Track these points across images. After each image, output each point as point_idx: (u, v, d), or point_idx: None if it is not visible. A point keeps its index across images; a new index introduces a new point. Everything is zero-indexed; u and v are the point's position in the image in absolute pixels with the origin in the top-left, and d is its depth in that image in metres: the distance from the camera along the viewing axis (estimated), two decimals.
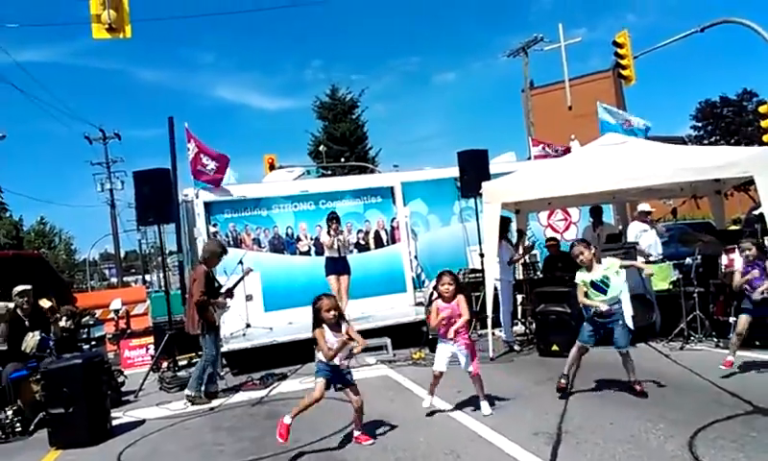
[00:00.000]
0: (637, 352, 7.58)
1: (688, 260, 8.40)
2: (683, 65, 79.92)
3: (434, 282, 11.07)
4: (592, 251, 5.91)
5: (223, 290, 7.75)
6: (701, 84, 78.89)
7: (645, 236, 9.58)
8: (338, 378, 5.12)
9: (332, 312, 5.02)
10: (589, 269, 5.80)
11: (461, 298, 5.67)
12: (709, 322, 7.88)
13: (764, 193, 6.85)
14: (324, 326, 5.02)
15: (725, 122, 43.49)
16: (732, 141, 41.21)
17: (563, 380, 5.86)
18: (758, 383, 5.73)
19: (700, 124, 45.25)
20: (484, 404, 5.59)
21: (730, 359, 6.01)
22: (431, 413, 5.72)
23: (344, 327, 5.09)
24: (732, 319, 7.16)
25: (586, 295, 5.79)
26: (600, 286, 5.71)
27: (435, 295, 10.70)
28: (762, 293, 5.96)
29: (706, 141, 43.02)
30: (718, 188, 9.20)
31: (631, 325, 7.87)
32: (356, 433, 5.22)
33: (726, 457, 4.00)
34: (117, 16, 10.08)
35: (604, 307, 5.62)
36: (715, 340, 7.54)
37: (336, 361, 5.04)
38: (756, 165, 6.89)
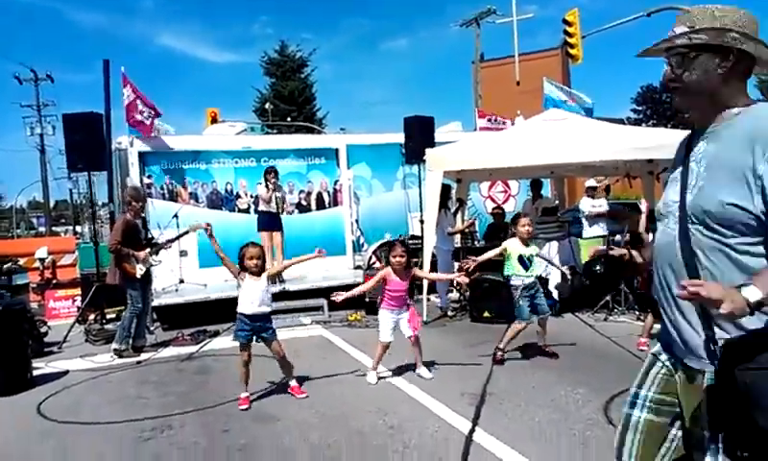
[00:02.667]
0: (564, 322, 7.91)
1: (618, 237, 8.72)
2: (628, 48, 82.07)
3: (374, 247, 11.22)
4: (533, 230, 6.22)
5: (166, 243, 7.54)
6: (643, 69, 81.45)
7: (597, 210, 10.09)
8: (257, 333, 5.11)
9: (254, 261, 5.05)
10: (523, 243, 6.04)
11: (413, 271, 5.72)
12: (633, 296, 8.23)
13: None
14: (246, 272, 5.05)
15: (663, 107, 45.14)
16: (669, 125, 42.80)
17: (499, 353, 5.99)
18: None
19: (640, 108, 46.86)
20: (422, 370, 5.63)
21: (644, 340, 6.27)
22: (363, 375, 5.75)
23: (265, 281, 5.09)
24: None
25: (505, 264, 6.07)
26: (525, 262, 6.00)
27: (374, 261, 10.77)
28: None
29: (644, 125, 44.57)
30: (651, 169, 9.52)
31: (557, 296, 8.25)
32: (291, 383, 5.25)
33: None
34: None
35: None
36: (637, 313, 7.90)
37: (253, 309, 5.00)
38: None
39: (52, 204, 46.85)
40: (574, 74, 36.33)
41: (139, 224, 7.41)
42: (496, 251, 6.19)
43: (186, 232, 7.90)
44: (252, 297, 5.03)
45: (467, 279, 6.44)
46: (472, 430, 4.21)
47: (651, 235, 8.02)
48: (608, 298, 8.22)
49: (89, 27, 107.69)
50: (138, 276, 7.12)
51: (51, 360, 7.27)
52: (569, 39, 17.91)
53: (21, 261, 12.06)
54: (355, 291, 5.63)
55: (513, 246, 6.07)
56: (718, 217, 1.77)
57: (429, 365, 5.80)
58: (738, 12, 1.87)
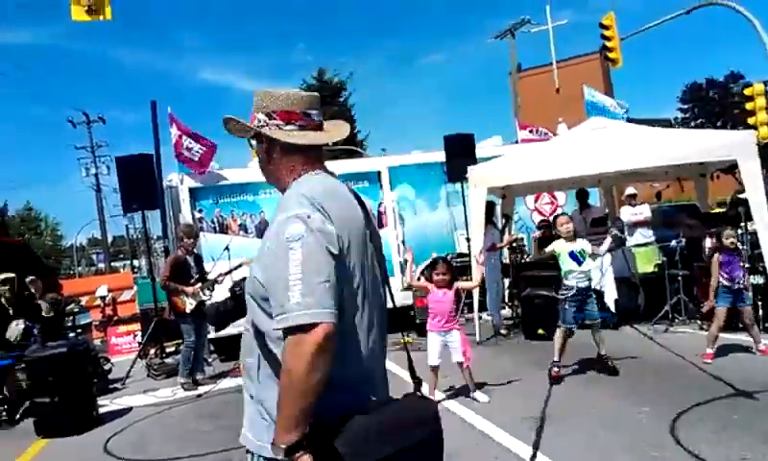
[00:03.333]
0: (622, 335, 7.72)
1: (673, 243, 8.46)
2: (669, 47, 79.95)
3: (422, 267, 11.19)
4: (575, 227, 6.11)
5: (211, 277, 7.71)
6: (688, 67, 79.28)
7: (638, 218, 9.87)
8: None
9: None
10: (569, 241, 5.94)
11: (456, 284, 5.64)
12: (693, 304, 7.96)
13: (747, 177, 6.91)
14: None
15: (711, 104, 43.77)
16: (718, 124, 41.46)
17: (554, 369, 5.86)
18: (740, 366, 5.79)
19: (686, 106, 45.55)
20: (478, 394, 5.56)
21: (710, 352, 6.04)
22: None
23: None
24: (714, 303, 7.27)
25: (556, 261, 5.97)
26: (577, 257, 5.83)
27: (423, 281, 10.74)
28: (739, 282, 6.02)
29: (692, 124, 43.27)
30: (702, 171, 9.25)
31: (614, 308, 8.03)
32: None
33: (707, 440, 4.06)
34: None
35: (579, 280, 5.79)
36: (699, 323, 7.61)
37: None
38: (739, 149, 6.93)
39: (110, 240, 48.59)
40: (615, 76, 35.80)
41: (190, 259, 7.59)
42: (546, 255, 6.10)
43: (239, 266, 8.08)
44: None
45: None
46: (534, 456, 4.12)
47: (709, 240, 7.78)
48: (667, 308, 7.96)
49: (135, 66, 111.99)
50: (188, 310, 7.32)
51: (115, 397, 7.53)
52: (607, 44, 17.57)
53: (83, 300, 12.55)
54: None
55: (559, 245, 5.95)
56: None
57: (483, 387, 5.73)
58: (272, 94, 1.88)
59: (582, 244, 5.94)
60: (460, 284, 5.77)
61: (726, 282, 6.01)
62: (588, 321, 5.91)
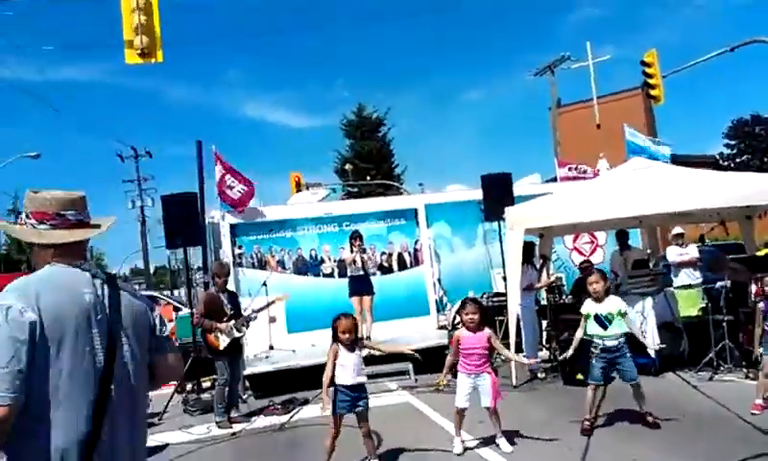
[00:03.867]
0: (665, 383, 7.47)
1: (718, 285, 8.22)
2: (714, 83, 78.92)
3: (457, 306, 11.12)
4: (606, 285, 5.92)
5: (246, 314, 7.82)
6: (734, 103, 77.56)
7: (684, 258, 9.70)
8: (352, 405, 5.12)
9: (347, 334, 5.08)
10: (598, 301, 5.80)
11: (489, 332, 5.56)
12: (739, 351, 7.66)
13: None
14: (340, 344, 5.08)
15: (757, 140, 42.71)
16: (765, 159, 40.35)
17: (586, 423, 5.73)
18: None
19: (732, 142, 44.54)
20: (502, 441, 5.46)
21: (758, 403, 5.81)
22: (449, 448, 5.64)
23: (357, 351, 5.13)
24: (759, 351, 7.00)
25: (585, 328, 5.85)
26: (603, 321, 5.72)
27: (459, 321, 10.66)
28: None
29: (738, 160, 42.26)
30: (748, 213, 9.00)
31: (653, 354, 7.80)
32: None
33: None
34: (149, 42, 10.35)
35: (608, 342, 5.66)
36: (745, 371, 7.33)
37: (352, 380, 5.06)
38: None
39: (152, 270, 49.77)
40: (658, 112, 35.27)
41: (224, 297, 7.71)
42: (581, 325, 5.94)
43: (271, 303, 8.22)
44: (350, 367, 5.07)
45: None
46: None
47: (754, 285, 7.53)
48: (711, 355, 7.70)
49: (181, 102, 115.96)
50: (221, 348, 7.41)
51: (152, 432, 7.61)
52: (649, 80, 17.44)
53: None
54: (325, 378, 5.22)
55: (588, 307, 5.85)
56: None
57: (512, 436, 5.62)
58: (30, 196, 2.17)
59: (611, 305, 5.79)
60: (493, 338, 5.60)
61: None
62: (627, 380, 5.74)
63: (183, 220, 9.05)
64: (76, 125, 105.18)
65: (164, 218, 9.21)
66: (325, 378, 5.08)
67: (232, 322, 7.52)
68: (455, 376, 8.59)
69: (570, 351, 5.99)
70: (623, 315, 5.80)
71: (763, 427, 5.30)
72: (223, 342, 7.42)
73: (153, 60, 10.69)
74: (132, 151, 38.09)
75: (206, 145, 10.49)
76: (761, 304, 5.94)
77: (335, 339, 5.13)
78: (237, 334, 7.57)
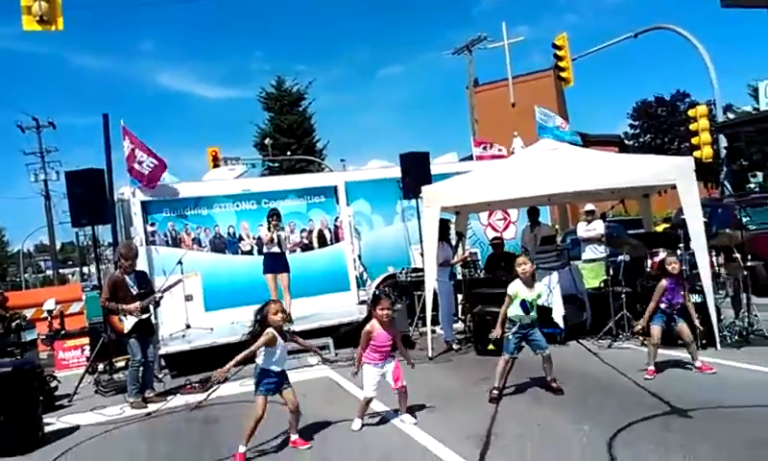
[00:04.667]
0: (568, 351, 7.97)
1: (619, 259, 8.78)
2: (620, 66, 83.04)
3: (378, 281, 11.31)
4: (533, 268, 6.19)
5: (157, 295, 7.65)
6: (638, 85, 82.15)
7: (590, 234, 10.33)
8: (277, 387, 5.15)
9: (279, 314, 5.09)
10: (527, 285, 6.05)
11: (395, 333, 5.60)
12: (636, 321, 8.26)
13: (685, 200, 7.29)
14: (276, 330, 5.05)
15: (659, 121, 45.47)
16: (666, 139, 43.06)
17: (495, 391, 6.03)
18: (678, 382, 6.06)
19: (636, 122, 47.16)
20: (405, 416, 5.59)
21: (651, 368, 6.31)
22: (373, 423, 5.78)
23: (287, 336, 5.14)
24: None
25: (509, 279, 6.18)
26: (526, 306, 6.00)
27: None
28: (672, 309, 6.38)
29: (641, 139, 44.85)
30: (646, 192, 9.65)
31: (562, 324, 8.29)
32: (293, 437, 5.26)
33: (642, 458, 4.27)
34: (49, 8, 9.76)
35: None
36: (641, 339, 7.92)
37: (281, 366, 5.10)
38: (678, 174, 7.30)
39: (58, 246, 47.11)
40: (569, 93, 36.86)
41: (130, 279, 7.47)
42: (506, 303, 6.16)
43: (177, 283, 8.11)
44: (281, 355, 5.10)
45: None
46: None
47: (650, 260, 8.14)
48: (611, 324, 8.27)
49: (89, 71, 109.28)
50: (125, 330, 7.26)
51: (62, 414, 7.36)
52: (560, 63, 18.20)
53: (29, 313, 12.18)
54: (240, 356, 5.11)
55: (516, 289, 6.06)
56: None
57: (424, 406, 5.82)
58: None
59: (536, 291, 6.07)
60: (398, 339, 5.64)
61: (663, 307, 6.35)
62: (538, 351, 6.07)
63: (90, 197, 8.66)
64: None
65: (69, 195, 8.76)
66: (241, 357, 5.03)
67: (137, 303, 7.33)
68: None
69: (498, 332, 6.14)
70: (537, 300, 6.15)
71: (654, 391, 5.79)
72: (127, 325, 7.26)
73: (53, 28, 10.11)
74: (33, 121, 35.72)
75: (117, 118, 10.05)
76: (665, 282, 6.40)
77: (265, 325, 5.06)
78: (143, 316, 7.39)
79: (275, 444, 5.32)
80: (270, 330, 5.05)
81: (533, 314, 6.04)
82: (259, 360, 5.13)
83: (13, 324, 9.27)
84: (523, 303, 5.99)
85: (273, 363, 5.09)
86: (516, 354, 6.07)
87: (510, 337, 6.03)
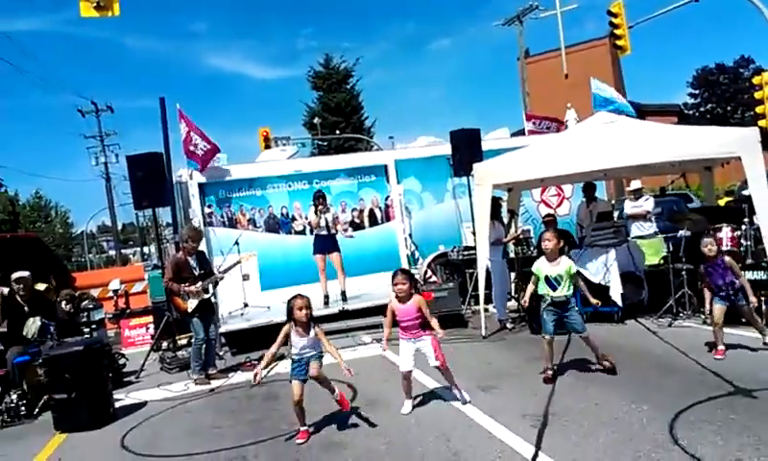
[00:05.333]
0: (626, 329, 7.82)
1: (679, 234, 8.50)
2: (679, 33, 79.50)
3: (429, 259, 11.32)
4: (559, 244, 6.11)
5: (219, 276, 7.92)
6: (698, 52, 78.32)
7: (636, 210, 9.98)
8: (307, 371, 5.25)
9: (303, 311, 5.18)
10: (550, 261, 5.97)
11: (418, 299, 5.52)
12: (698, 299, 8.01)
13: (750, 173, 6.98)
14: (293, 325, 5.20)
15: (721, 89, 43.37)
16: (729, 108, 41.10)
17: (549, 372, 5.98)
18: (742, 363, 5.87)
19: (696, 91, 45.14)
20: (458, 393, 5.60)
21: (721, 348, 6.10)
22: (422, 396, 5.85)
23: (313, 330, 5.25)
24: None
25: (536, 285, 6.08)
26: (552, 282, 5.92)
27: (430, 275, 10.88)
28: (725, 289, 6.15)
29: (702, 109, 42.95)
30: (708, 165, 9.29)
31: (620, 302, 8.12)
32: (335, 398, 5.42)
33: (704, 440, 4.17)
34: None
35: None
36: (703, 317, 7.69)
37: (307, 355, 5.24)
38: (743, 146, 6.98)
39: (119, 227, 48.98)
40: (625, 62, 35.52)
41: (192, 260, 7.73)
42: (532, 280, 6.16)
43: (238, 263, 8.33)
44: (306, 345, 5.23)
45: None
46: (535, 456, 4.25)
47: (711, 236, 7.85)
48: (671, 302, 8.05)
49: (142, 53, 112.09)
50: (189, 310, 7.53)
51: (130, 390, 7.73)
52: (616, 31, 17.50)
53: (96, 293, 12.76)
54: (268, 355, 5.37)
55: (540, 267, 6.03)
56: None
57: (471, 389, 5.78)
58: None
59: (562, 267, 5.93)
60: (423, 306, 5.53)
61: (720, 285, 6.18)
62: (575, 333, 5.99)
63: (150, 180, 8.96)
64: (33, 79, 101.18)
65: (130, 179, 9.08)
66: (269, 354, 5.27)
67: (200, 283, 7.58)
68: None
69: (526, 299, 6.31)
70: (572, 275, 5.97)
71: (716, 371, 5.63)
72: (191, 305, 7.53)
73: (109, 14, 10.39)
74: (92, 106, 37.00)
75: (170, 100, 10.33)
76: (701, 267, 6.24)
77: (290, 319, 5.21)
78: (205, 296, 7.66)
79: (335, 421, 5.45)
80: (285, 328, 5.23)
81: (563, 291, 5.90)
82: (292, 352, 5.31)
83: (82, 303, 9.73)
84: (547, 280, 5.91)
85: (298, 353, 5.24)
86: (553, 333, 5.98)
87: (545, 316, 5.98)
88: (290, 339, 5.25)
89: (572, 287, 5.98)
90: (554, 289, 5.92)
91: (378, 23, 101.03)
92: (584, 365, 6.27)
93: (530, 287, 6.21)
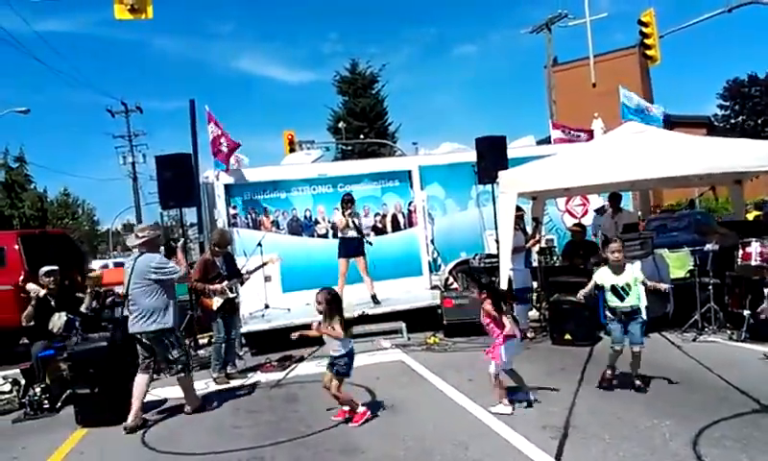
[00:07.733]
0: (650, 343, 7.61)
1: (707, 247, 8.34)
2: (710, 44, 77.94)
3: (450, 266, 11.28)
4: (623, 256, 5.97)
5: (244, 276, 8.02)
6: (729, 63, 76.58)
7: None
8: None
9: (319, 306, 5.55)
10: (616, 272, 5.84)
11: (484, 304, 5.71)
12: (724, 314, 7.88)
13: None
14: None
15: (753, 102, 42.52)
16: (760, 121, 40.30)
17: (608, 373, 5.90)
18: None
19: (727, 103, 44.32)
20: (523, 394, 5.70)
21: None
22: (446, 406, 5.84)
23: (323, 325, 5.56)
24: (746, 312, 7.20)
25: (601, 291, 5.98)
26: (620, 293, 5.78)
27: (451, 281, 10.83)
28: None
29: (732, 121, 42.17)
30: (738, 178, 9.11)
31: (645, 315, 7.97)
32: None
33: (728, 457, 4.09)
34: None
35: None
36: (729, 333, 7.55)
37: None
38: None
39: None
40: (654, 71, 35.03)
41: (218, 261, 7.84)
42: (590, 285, 6.07)
43: (263, 265, 8.39)
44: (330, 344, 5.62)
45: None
46: None
47: (741, 250, 7.69)
48: (696, 316, 7.90)
49: (173, 54, 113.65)
50: (215, 308, 7.61)
51: (152, 387, 7.78)
52: (646, 41, 17.30)
53: (120, 290, 12.93)
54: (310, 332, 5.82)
55: (603, 277, 5.90)
56: None
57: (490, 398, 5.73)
58: None
59: (629, 276, 5.82)
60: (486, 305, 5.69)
61: None
62: (632, 344, 5.84)
63: (178, 180, 9.08)
64: (65, 79, 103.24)
65: (158, 179, 9.22)
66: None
67: (225, 283, 7.67)
68: (447, 335, 8.89)
69: (580, 296, 6.31)
70: (639, 283, 5.83)
71: (742, 387, 5.51)
72: (216, 303, 7.61)
73: (143, 17, 10.56)
74: (122, 106, 37.65)
75: (198, 102, 10.47)
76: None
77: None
78: (230, 295, 7.74)
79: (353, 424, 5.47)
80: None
81: (632, 301, 5.77)
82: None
83: (108, 300, 9.87)
84: (614, 289, 5.79)
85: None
86: (623, 343, 5.83)
87: (612, 327, 5.87)
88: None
89: (640, 297, 5.83)
90: (622, 300, 5.79)
91: (403, 28, 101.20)
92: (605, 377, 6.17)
93: (587, 288, 6.13)
